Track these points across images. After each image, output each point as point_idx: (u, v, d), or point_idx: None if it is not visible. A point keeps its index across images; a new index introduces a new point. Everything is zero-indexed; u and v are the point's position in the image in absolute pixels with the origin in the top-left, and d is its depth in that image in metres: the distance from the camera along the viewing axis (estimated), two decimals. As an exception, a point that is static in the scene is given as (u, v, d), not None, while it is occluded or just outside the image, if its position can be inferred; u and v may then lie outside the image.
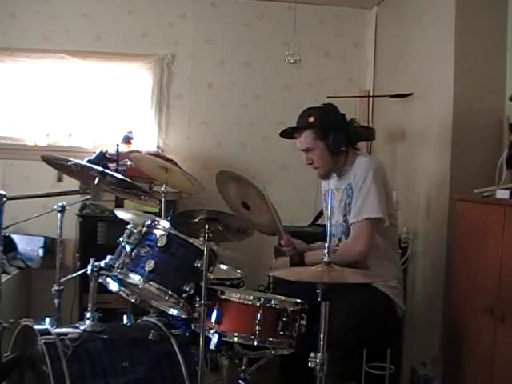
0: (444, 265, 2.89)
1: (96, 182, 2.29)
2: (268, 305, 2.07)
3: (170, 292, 2.12)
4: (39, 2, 3.90)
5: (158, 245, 2.17)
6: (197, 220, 2.05)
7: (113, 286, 2.34)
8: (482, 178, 2.62)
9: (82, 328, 2.14)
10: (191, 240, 2.19)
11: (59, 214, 2.60)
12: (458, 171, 2.87)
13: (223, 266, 2.72)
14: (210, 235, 2.05)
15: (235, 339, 2.08)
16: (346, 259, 2.24)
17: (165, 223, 2.23)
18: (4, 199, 2.16)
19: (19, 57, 3.86)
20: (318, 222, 3.73)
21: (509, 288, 2.15)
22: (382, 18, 4.09)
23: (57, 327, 2.12)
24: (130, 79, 4.03)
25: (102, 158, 2.60)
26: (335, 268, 1.81)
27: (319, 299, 1.78)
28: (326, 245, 1.82)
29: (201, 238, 2.06)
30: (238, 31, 4.12)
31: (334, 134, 2.51)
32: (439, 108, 3.04)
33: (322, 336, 1.79)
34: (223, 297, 2.11)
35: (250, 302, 2.08)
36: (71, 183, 2.66)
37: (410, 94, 3.43)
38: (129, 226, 2.29)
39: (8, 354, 2.20)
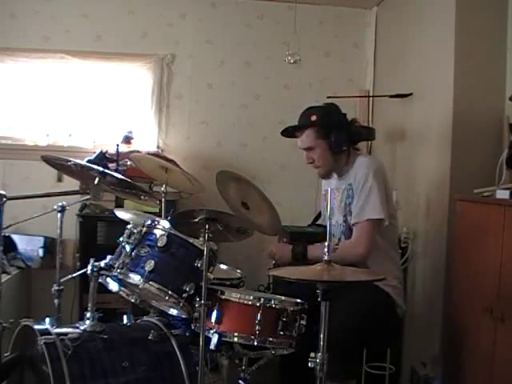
0: (444, 265, 2.89)
1: (96, 182, 2.29)
2: (268, 305, 2.07)
3: (170, 292, 2.12)
4: (39, 2, 3.90)
5: (158, 245, 2.17)
6: (197, 220, 2.04)
7: (113, 286, 2.34)
8: (482, 178, 2.62)
9: (81, 328, 2.14)
10: (191, 240, 2.19)
11: (59, 214, 2.60)
12: (458, 171, 2.87)
13: (223, 266, 2.72)
14: (210, 235, 2.05)
15: (235, 339, 2.08)
16: (347, 259, 2.24)
17: (165, 223, 2.23)
18: (4, 199, 2.16)
19: (19, 57, 3.86)
20: (318, 222, 3.73)
21: (509, 288, 2.15)
22: (382, 18, 4.09)
23: (57, 327, 2.12)
24: (130, 79, 4.03)
25: (102, 158, 2.60)
26: (335, 267, 1.81)
27: (319, 299, 1.78)
28: (326, 244, 1.82)
29: (201, 238, 2.06)
30: (238, 31, 4.12)
31: (336, 134, 2.51)
32: (439, 108, 3.04)
33: (321, 336, 1.79)
34: (223, 297, 2.11)
35: (250, 302, 2.08)
36: (71, 183, 2.66)
37: (410, 94, 3.43)
38: (129, 226, 2.29)
39: (8, 353, 2.20)
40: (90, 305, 2.21)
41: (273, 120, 4.01)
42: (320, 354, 1.79)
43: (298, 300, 2.15)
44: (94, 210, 3.54)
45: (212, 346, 2.05)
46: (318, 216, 3.25)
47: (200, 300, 2.03)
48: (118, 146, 3.13)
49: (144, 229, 2.24)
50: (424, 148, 3.25)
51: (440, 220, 2.97)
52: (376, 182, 2.45)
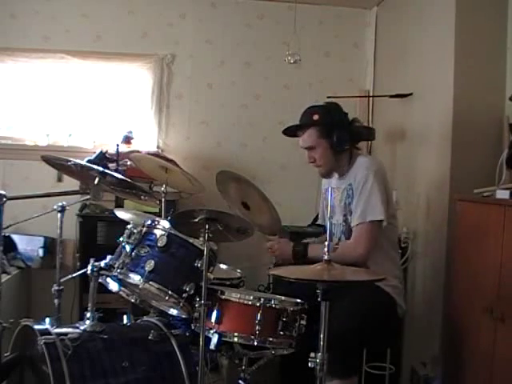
0: (444, 265, 2.89)
1: (96, 182, 2.29)
2: (268, 305, 2.07)
3: (169, 292, 2.12)
4: (39, 2, 3.90)
5: (158, 245, 2.17)
6: (197, 220, 2.04)
7: (113, 286, 2.34)
8: (482, 178, 2.62)
9: (81, 328, 2.14)
10: (191, 240, 2.19)
11: (59, 214, 2.60)
12: (458, 171, 2.87)
13: (223, 266, 2.72)
14: (210, 235, 2.05)
15: (235, 339, 2.08)
16: (347, 260, 2.24)
17: (165, 223, 2.23)
18: (4, 199, 2.16)
19: (19, 57, 3.86)
20: (318, 222, 3.73)
21: (509, 288, 2.15)
22: (382, 18, 4.09)
23: (57, 327, 2.12)
24: (130, 79, 4.03)
25: (102, 158, 2.60)
26: (335, 266, 1.81)
27: (319, 299, 1.78)
28: (326, 243, 1.82)
29: (201, 238, 2.06)
30: (238, 31, 4.12)
31: (338, 133, 2.51)
32: (439, 108, 3.05)
33: (321, 336, 1.79)
34: (223, 297, 2.11)
35: (250, 302, 2.08)
36: (71, 183, 2.65)
37: (410, 94, 3.43)
38: (129, 226, 2.29)
39: (8, 353, 2.20)
40: (90, 305, 2.21)
41: (273, 120, 4.01)
42: (320, 353, 1.79)
43: (298, 300, 2.15)
44: (94, 210, 3.54)
45: (212, 346, 2.05)
46: (317, 216, 3.25)
47: (200, 300, 2.02)
48: (117, 146, 3.13)
49: (144, 229, 2.24)
50: (424, 148, 3.25)
51: (440, 220, 2.97)
52: (376, 183, 2.45)
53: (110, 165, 2.73)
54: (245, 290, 2.54)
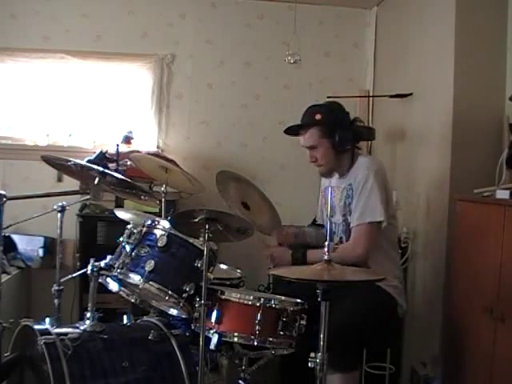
0: (444, 265, 2.89)
1: (96, 182, 2.29)
2: (268, 305, 2.07)
3: (170, 292, 2.12)
4: (39, 2, 3.90)
5: (158, 245, 2.17)
6: (197, 220, 2.04)
7: (113, 286, 2.34)
8: (482, 178, 2.62)
9: (82, 328, 2.14)
10: (191, 240, 2.19)
11: (59, 214, 2.60)
12: (458, 171, 2.87)
13: (223, 266, 2.72)
14: (210, 235, 2.05)
15: (235, 339, 2.08)
16: (346, 260, 2.23)
17: (165, 223, 2.23)
18: (4, 199, 2.16)
19: (19, 57, 3.86)
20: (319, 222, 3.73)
21: (509, 288, 2.15)
22: (382, 18, 4.09)
23: (57, 327, 2.12)
24: (130, 79, 4.03)
25: (102, 158, 2.60)
26: (335, 266, 1.81)
27: (319, 299, 1.78)
28: (326, 243, 1.82)
29: (201, 238, 2.06)
30: (238, 31, 4.12)
31: (340, 133, 2.50)
32: (439, 108, 3.05)
33: (322, 336, 1.79)
34: (223, 297, 2.11)
35: (250, 302, 2.08)
36: (71, 183, 2.66)
37: (410, 94, 3.43)
38: (129, 226, 2.29)
39: (8, 353, 2.20)
40: (90, 305, 2.21)
41: (273, 120, 4.02)
42: (320, 353, 1.79)
43: (298, 300, 2.15)
44: (94, 210, 3.54)
45: (212, 346, 2.05)
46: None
47: (200, 300, 2.02)
48: (117, 145, 3.13)
49: (144, 229, 2.24)
50: (424, 148, 3.25)
51: (440, 220, 2.97)
52: (376, 184, 2.45)
53: (110, 165, 2.73)
54: (245, 290, 2.54)
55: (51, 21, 3.90)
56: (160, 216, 2.77)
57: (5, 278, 3.01)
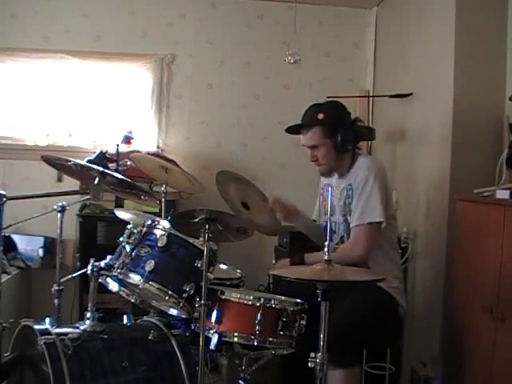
0: (444, 265, 2.89)
1: (96, 182, 2.29)
2: (268, 305, 2.07)
3: (170, 292, 2.12)
4: (39, 2, 3.90)
5: (158, 245, 2.17)
6: (197, 220, 2.05)
7: (113, 285, 2.34)
8: (482, 178, 2.62)
9: (82, 328, 2.14)
10: (191, 240, 2.19)
11: (59, 214, 2.60)
12: (458, 171, 2.87)
13: (223, 266, 2.72)
14: (210, 235, 2.05)
15: (235, 339, 2.08)
16: (345, 261, 2.23)
17: (165, 223, 2.23)
18: (4, 199, 2.16)
19: (19, 57, 3.86)
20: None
21: (509, 288, 2.15)
22: (382, 18, 4.09)
23: (57, 327, 2.12)
24: (130, 79, 4.03)
25: (102, 158, 2.60)
26: (335, 266, 1.81)
27: (319, 299, 1.78)
28: (326, 243, 1.82)
29: (201, 238, 2.06)
30: (238, 31, 4.12)
31: (342, 133, 2.49)
32: (439, 108, 3.05)
33: (322, 336, 1.79)
34: (223, 297, 2.11)
35: (250, 302, 2.08)
36: (71, 183, 2.66)
37: (410, 94, 3.43)
38: (129, 226, 2.29)
39: (8, 353, 2.20)
40: (90, 305, 2.21)
41: (273, 120, 4.02)
42: (320, 353, 1.79)
43: (298, 300, 2.15)
44: (94, 210, 3.54)
45: (212, 346, 2.05)
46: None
47: (200, 300, 2.03)
48: (117, 145, 3.13)
49: (144, 229, 2.24)
50: (424, 148, 3.25)
51: (440, 220, 2.97)
52: (376, 184, 2.44)
53: (110, 165, 2.74)
54: (245, 290, 2.54)
55: (51, 21, 3.90)
56: (160, 216, 2.77)
57: (5, 277, 3.01)
